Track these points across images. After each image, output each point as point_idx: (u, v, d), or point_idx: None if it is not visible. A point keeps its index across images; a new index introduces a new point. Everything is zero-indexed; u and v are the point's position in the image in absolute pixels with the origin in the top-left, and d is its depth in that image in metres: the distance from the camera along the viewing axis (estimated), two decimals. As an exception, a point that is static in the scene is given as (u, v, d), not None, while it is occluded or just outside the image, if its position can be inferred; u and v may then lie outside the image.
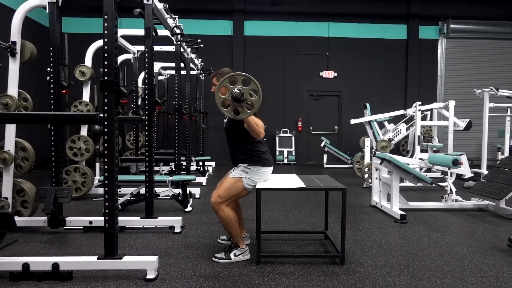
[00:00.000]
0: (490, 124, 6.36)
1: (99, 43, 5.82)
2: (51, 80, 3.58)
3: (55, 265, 2.52)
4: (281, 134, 10.54)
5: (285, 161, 10.27)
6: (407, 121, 8.75)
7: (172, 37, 4.85)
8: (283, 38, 10.69)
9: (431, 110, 8.61)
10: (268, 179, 3.01)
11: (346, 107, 10.76)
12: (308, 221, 4.26)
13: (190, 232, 3.75)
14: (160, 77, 9.27)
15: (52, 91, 3.58)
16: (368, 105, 7.65)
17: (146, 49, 3.68)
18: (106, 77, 2.49)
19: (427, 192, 6.17)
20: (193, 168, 7.53)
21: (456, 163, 4.15)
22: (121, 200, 4.55)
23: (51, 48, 3.56)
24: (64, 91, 3.65)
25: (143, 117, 3.71)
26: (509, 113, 6.29)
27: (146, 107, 3.68)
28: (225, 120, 3.03)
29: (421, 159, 4.89)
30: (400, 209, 4.36)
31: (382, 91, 10.72)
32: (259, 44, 10.60)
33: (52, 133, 3.60)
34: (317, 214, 4.59)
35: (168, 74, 9.34)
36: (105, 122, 2.51)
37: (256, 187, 2.88)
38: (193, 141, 8.41)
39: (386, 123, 8.40)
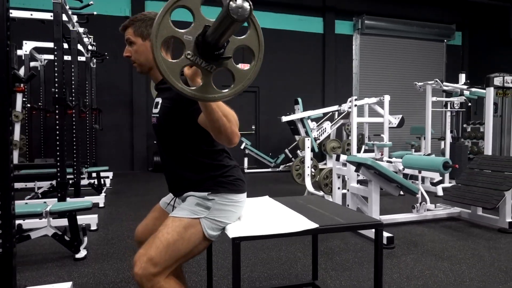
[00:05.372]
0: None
1: None
2: None
3: None
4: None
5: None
6: (330, 119, 8.11)
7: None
8: (183, 23, 9.22)
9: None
10: (241, 215, 1.65)
11: (264, 105, 9.76)
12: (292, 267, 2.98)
13: (88, 304, 2.17)
14: (33, 63, 7.05)
15: None
16: (300, 100, 6.69)
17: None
18: None
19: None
20: (84, 182, 5.66)
21: (447, 166, 3.29)
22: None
23: None
24: None
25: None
26: (449, 108, 5.89)
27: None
28: (155, 111, 1.58)
29: (388, 161, 3.99)
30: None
31: (301, 87, 9.95)
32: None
33: None
34: (300, 255, 3.34)
35: (45, 60, 7.16)
36: None
37: (228, 233, 1.50)
38: (83, 146, 6.46)
39: (309, 121, 7.62)
